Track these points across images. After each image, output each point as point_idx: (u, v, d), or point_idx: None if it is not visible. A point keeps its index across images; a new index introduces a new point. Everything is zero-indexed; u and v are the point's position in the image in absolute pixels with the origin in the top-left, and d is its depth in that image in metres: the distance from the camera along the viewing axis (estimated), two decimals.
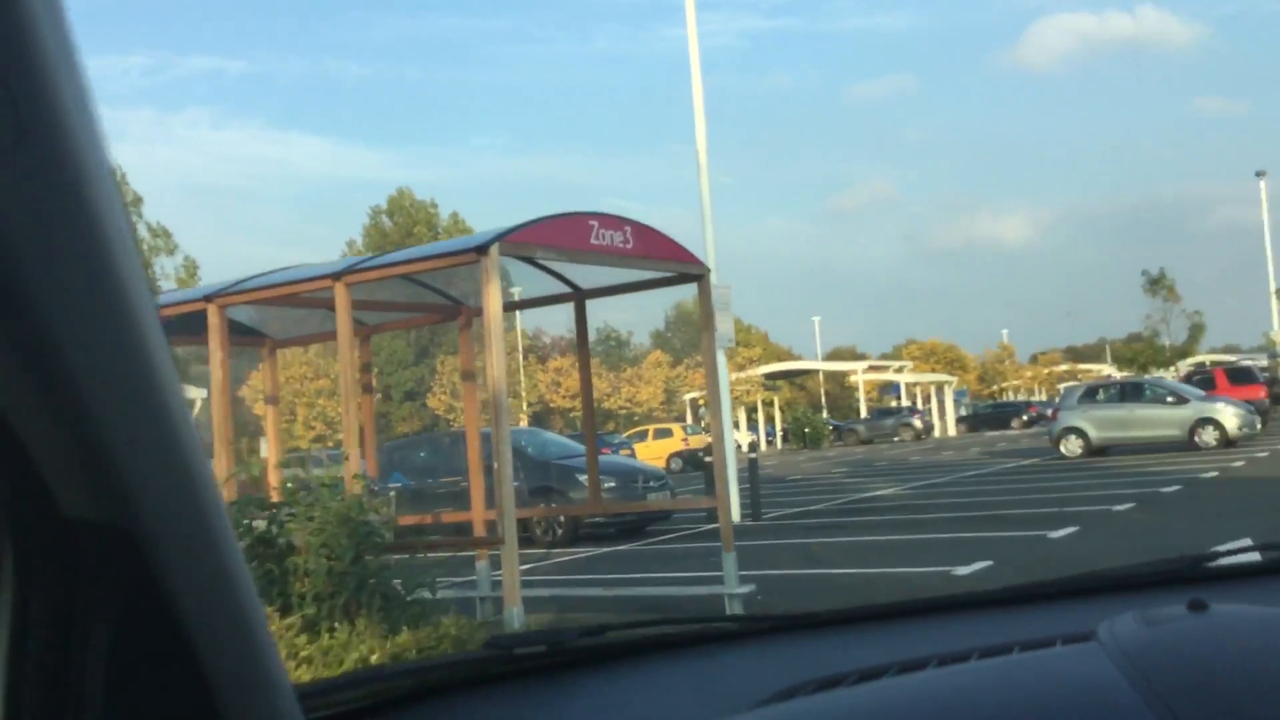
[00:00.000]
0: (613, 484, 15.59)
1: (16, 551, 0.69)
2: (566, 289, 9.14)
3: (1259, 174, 51.75)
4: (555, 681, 1.36)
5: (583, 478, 15.35)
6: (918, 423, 51.44)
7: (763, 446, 55.72)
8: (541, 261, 8.05)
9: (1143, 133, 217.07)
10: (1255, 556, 1.58)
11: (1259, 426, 23.97)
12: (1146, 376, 35.27)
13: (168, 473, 0.70)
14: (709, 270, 8.81)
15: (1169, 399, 23.82)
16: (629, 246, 7.98)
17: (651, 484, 16.28)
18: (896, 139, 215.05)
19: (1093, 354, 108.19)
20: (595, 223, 7.75)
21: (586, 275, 8.95)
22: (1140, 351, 45.40)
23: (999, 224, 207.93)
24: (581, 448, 18.71)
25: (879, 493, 19.91)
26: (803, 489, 22.37)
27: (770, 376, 60.46)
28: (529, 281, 9.45)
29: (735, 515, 16.75)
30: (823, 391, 71.57)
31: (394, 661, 2.16)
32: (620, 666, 1.42)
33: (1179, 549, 2.25)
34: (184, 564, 0.73)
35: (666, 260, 8.42)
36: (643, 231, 8.16)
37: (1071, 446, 24.25)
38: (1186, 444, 23.05)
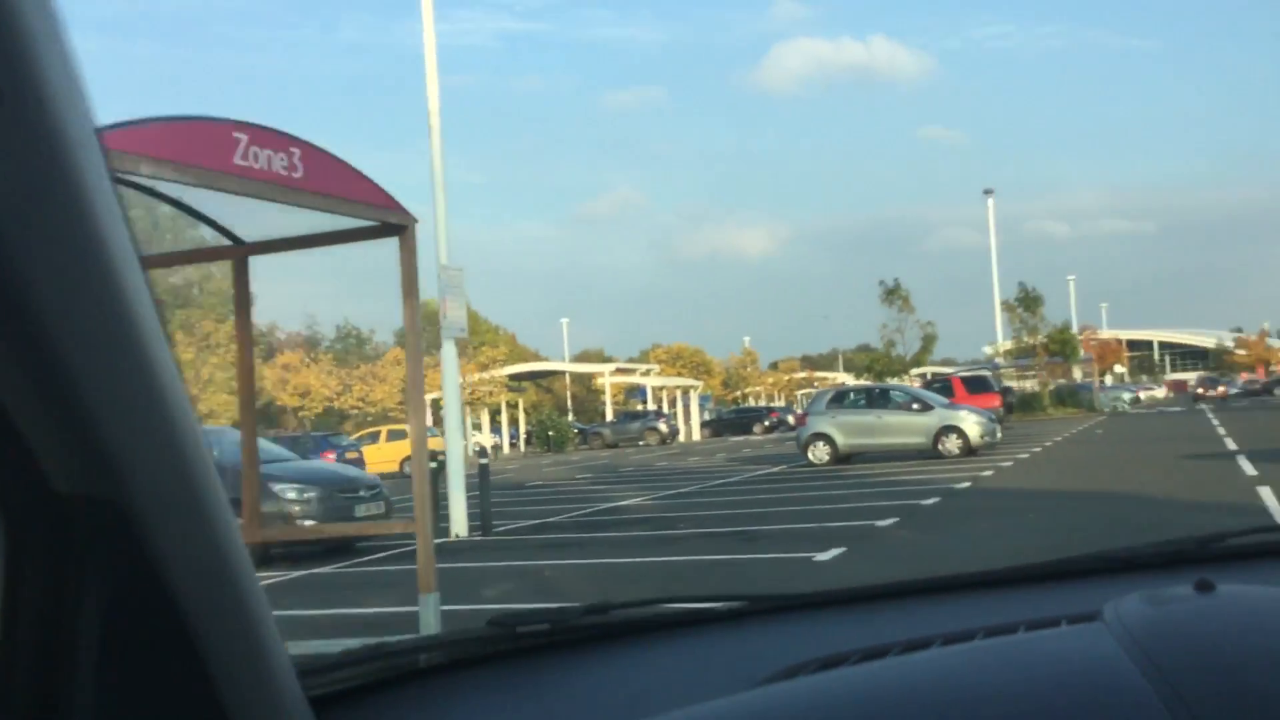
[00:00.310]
0: (314, 495, 13.16)
1: (8, 526, 0.68)
2: (225, 241, 6.78)
3: (987, 192, 54.31)
4: (558, 659, 1.35)
5: (278, 488, 12.87)
6: (663, 427, 50.82)
7: (506, 450, 53.73)
8: (154, 185, 5.50)
9: (874, 155, 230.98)
10: (1264, 538, 1.56)
11: (998, 435, 23.89)
12: (893, 383, 35.45)
13: (160, 446, 0.69)
14: (415, 221, 6.64)
15: (915, 406, 23.40)
16: (297, 176, 5.69)
17: (363, 494, 13.90)
18: (646, 149, 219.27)
19: (826, 363, 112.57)
20: (244, 136, 5.39)
21: (251, 223, 6.66)
22: (876, 360, 46.06)
23: (742, 236, 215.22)
24: (285, 452, 16.18)
25: (623, 503, 18.25)
26: (542, 497, 20.48)
27: (516, 378, 58.60)
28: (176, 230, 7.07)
29: (463, 529, 14.73)
30: (569, 394, 70.33)
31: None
32: (624, 645, 1.41)
33: (957, 569, 1.56)
34: (179, 540, 0.73)
35: (354, 202, 6.16)
36: (318, 158, 5.86)
37: (819, 453, 23.49)
38: (930, 452, 22.66)
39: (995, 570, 1.56)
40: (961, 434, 22.62)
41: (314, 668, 1.20)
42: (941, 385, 31.63)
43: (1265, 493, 12.18)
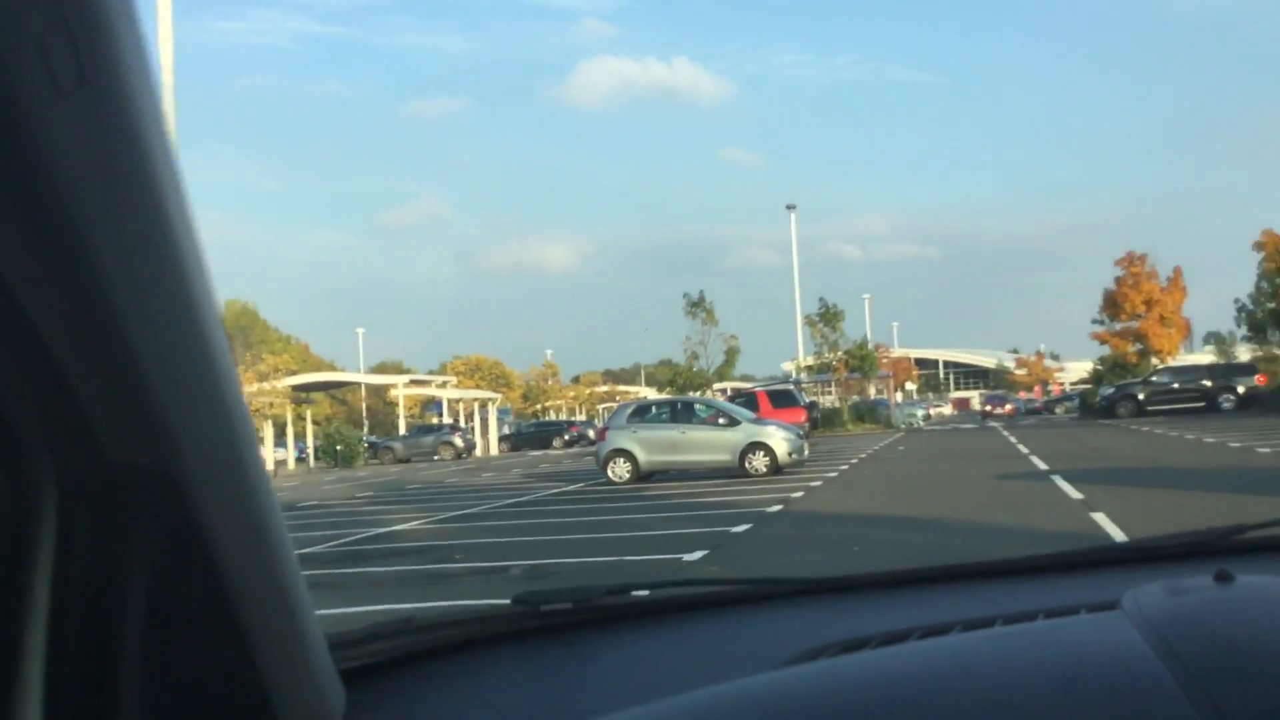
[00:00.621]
0: None
1: (61, 494, 0.70)
2: None
3: (789, 207, 54.29)
4: (580, 638, 1.37)
5: None
6: (459, 441, 48.35)
7: (291, 465, 50.14)
8: None
9: (677, 174, 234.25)
10: None
11: (806, 452, 22.65)
12: (698, 396, 34.15)
13: (212, 420, 0.72)
14: None
15: (720, 421, 21.89)
16: None
17: None
18: (451, 160, 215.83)
19: (629, 377, 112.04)
20: None
21: None
22: (679, 373, 44.92)
23: (547, 250, 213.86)
24: None
25: (399, 527, 15.99)
26: (311, 521, 17.91)
27: (302, 388, 54.84)
28: None
29: None
30: (364, 407, 66.80)
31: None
32: (645, 625, 1.42)
33: None
34: (224, 512, 0.75)
35: None
36: None
37: (619, 470, 21.75)
38: (736, 470, 21.26)
39: (1015, 559, 1.57)
40: (769, 451, 21.29)
41: (343, 641, 1.21)
42: (746, 399, 30.44)
43: (1101, 519, 11.08)
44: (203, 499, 0.74)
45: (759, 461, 21.29)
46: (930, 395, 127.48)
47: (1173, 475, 15.66)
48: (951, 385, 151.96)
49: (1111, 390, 42.25)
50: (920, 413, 60.05)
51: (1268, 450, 19.35)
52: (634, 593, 1.46)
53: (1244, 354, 51.67)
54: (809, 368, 50.31)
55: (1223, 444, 22.23)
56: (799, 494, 16.81)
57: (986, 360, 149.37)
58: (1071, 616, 1.11)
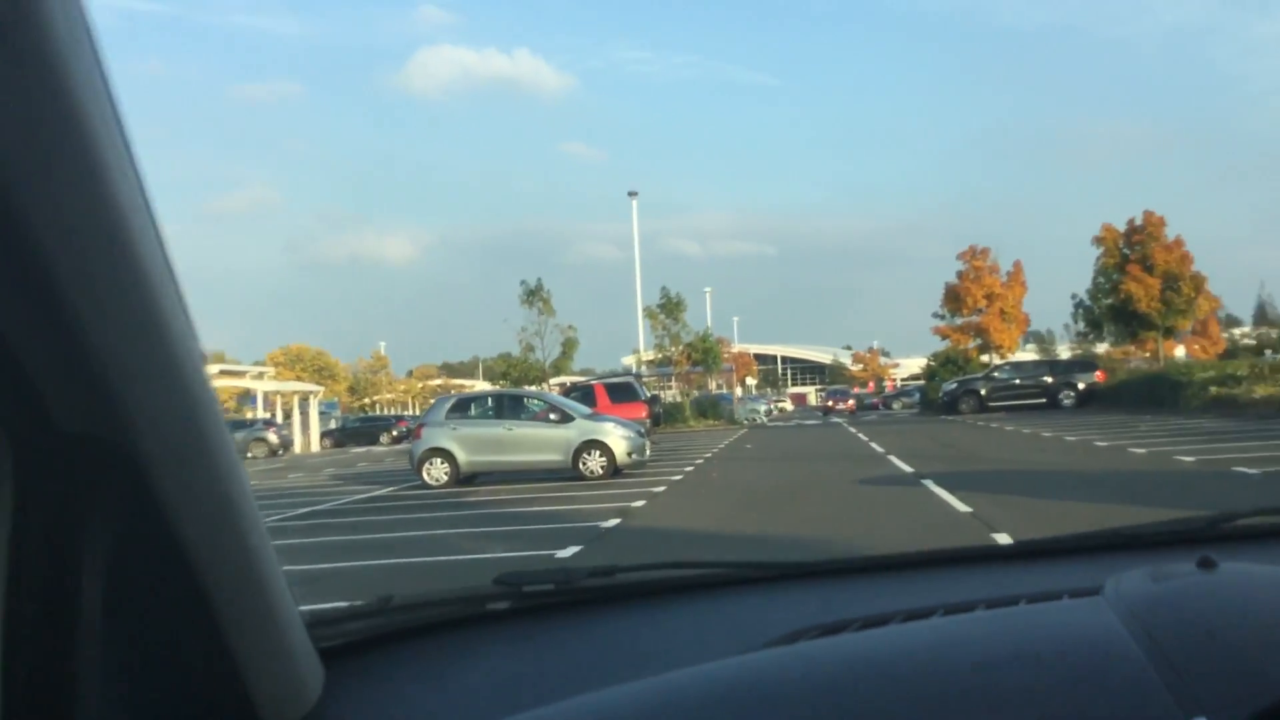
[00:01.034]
0: None
1: (17, 467, 0.68)
2: None
3: (631, 194, 52.02)
4: (563, 619, 1.37)
5: None
6: (272, 437, 44.41)
7: None
8: None
9: (518, 167, 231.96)
10: (1272, 519, 1.56)
11: (647, 452, 20.26)
12: (527, 389, 31.43)
13: (166, 391, 0.70)
14: None
15: (552, 416, 19.34)
16: None
17: None
18: (283, 147, 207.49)
19: (468, 370, 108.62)
20: None
21: None
22: (513, 365, 42.14)
23: (384, 242, 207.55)
24: None
25: None
26: None
27: None
28: None
29: None
30: None
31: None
32: (628, 607, 1.42)
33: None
34: (183, 485, 0.73)
35: None
36: None
37: (436, 473, 19.00)
38: (570, 472, 18.77)
39: (1001, 545, 1.69)
40: (606, 450, 18.85)
41: (320, 620, 1.20)
42: (582, 393, 27.75)
43: (1005, 540, 8.98)
44: (162, 472, 0.72)
45: (595, 462, 18.85)
46: (769, 390, 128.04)
47: (1055, 481, 13.85)
48: (789, 381, 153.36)
49: (954, 386, 41.37)
50: (763, 408, 58.82)
51: (1142, 451, 17.96)
52: (618, 575, 1.44)
53: (1064, 352, 52.08)
54: (650, 361, 48.15)
55: (1086, 442, 20.93)
56: (640, 503, 14.38)
57: (823, 356, 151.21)
58: (1053, 601, 1.10)
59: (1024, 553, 1.57)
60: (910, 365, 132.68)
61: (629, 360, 56.55)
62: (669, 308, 44.49)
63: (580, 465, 18.79)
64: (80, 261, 0.61)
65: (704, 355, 44.64)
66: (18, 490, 0.70)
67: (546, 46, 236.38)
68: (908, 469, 17.05)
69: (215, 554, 0.79)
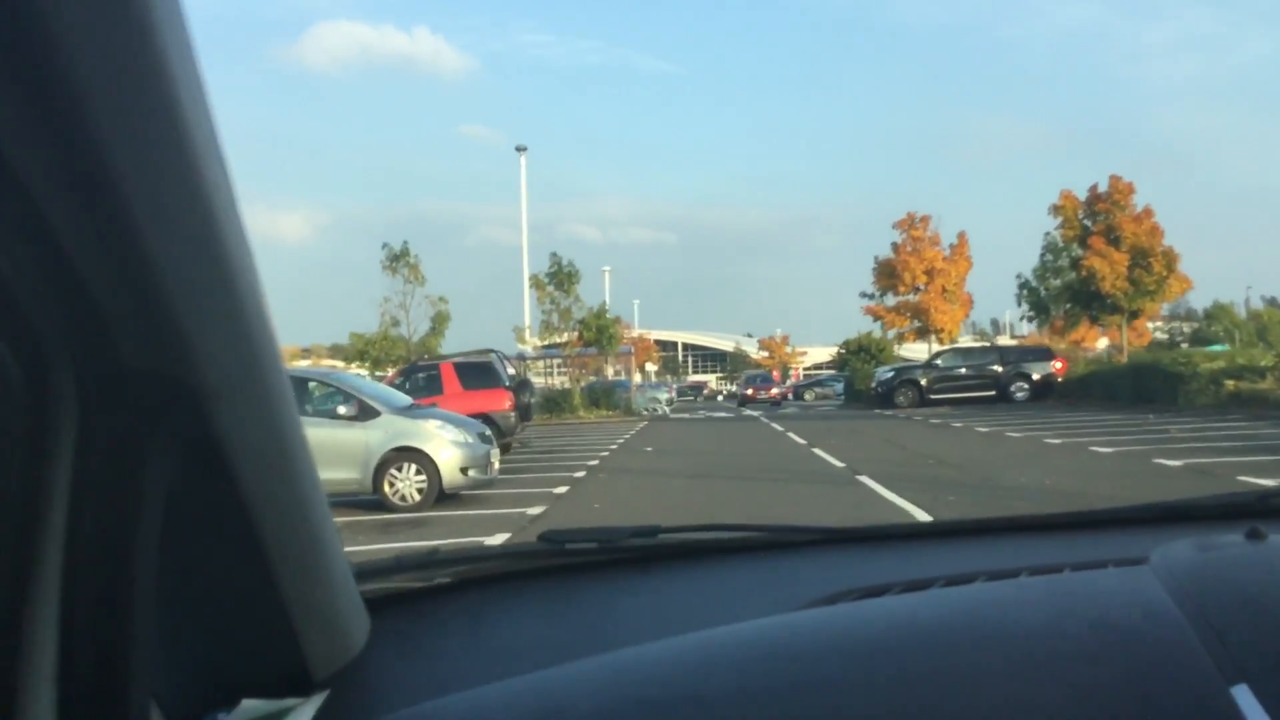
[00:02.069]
0: None
1: (80, 399, 0.69)
2: None
3: (519, 148, 44.86)
4: (604, 578, 1.37)
5: None
6: None
7: None
8: None
9: (416, 148, 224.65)
10: None
11: (496, 466, 13.02)
12: (316, 368, 24.07)
13: (230, 328, 0.71)
14: None
15: (342, 409, 12.10)
16: None
17: None
18: None
19: (348, 353, 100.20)
20: None
21: None
22: (372, 343, 34.58)
23: (276, 220, 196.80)
24: None
25: None
26: None
27: None
28: None
29: None
30: None
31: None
32: (669, 567, 1.42)
33: None
34: (241, 423, 0.74)
35: None
36: None
37: None
38: (370, 497, 11.71)
39: (1048, 514, 1.55)
40: (426, 463, 11.83)
41: (367, 571, 1.22)
42: (425, 376, 20.36)
43: None
44: (222, 409, 0.72)
45: (407, 483, 11.78)
46: (669, 377, 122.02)
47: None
48: (690, 368, 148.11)
49: (890, 374, 35.14)
50: (665, 396, 52.16)
51: (1177, 464, 11.63)
52: (660, 536, 1.43)
53: (1004, 340, 45.64)
54: (549, 345, 40.91)
55: (1081, 447, 14.67)
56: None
57: (724, 344, 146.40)
58: (1098, 570, 1.08)
59: (1070, 524, 1.54)
60: (816, 354, 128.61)
61: (523, 345, 49.36)
62: (560, 278, 37.38)
63: (386, 486, 11.72)
64: (152, 194, 0.61)
65: (599, 335, 37.65)
66: (81, 424, 0.69)
67: (446, 25, 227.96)
68: (886, 493, 10.42)
69: (270, 496, 0.79)
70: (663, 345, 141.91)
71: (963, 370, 34.01)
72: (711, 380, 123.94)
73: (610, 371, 64.08)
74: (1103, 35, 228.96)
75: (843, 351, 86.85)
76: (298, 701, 0.89)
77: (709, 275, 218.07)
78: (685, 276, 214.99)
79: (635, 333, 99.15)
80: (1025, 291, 40.50)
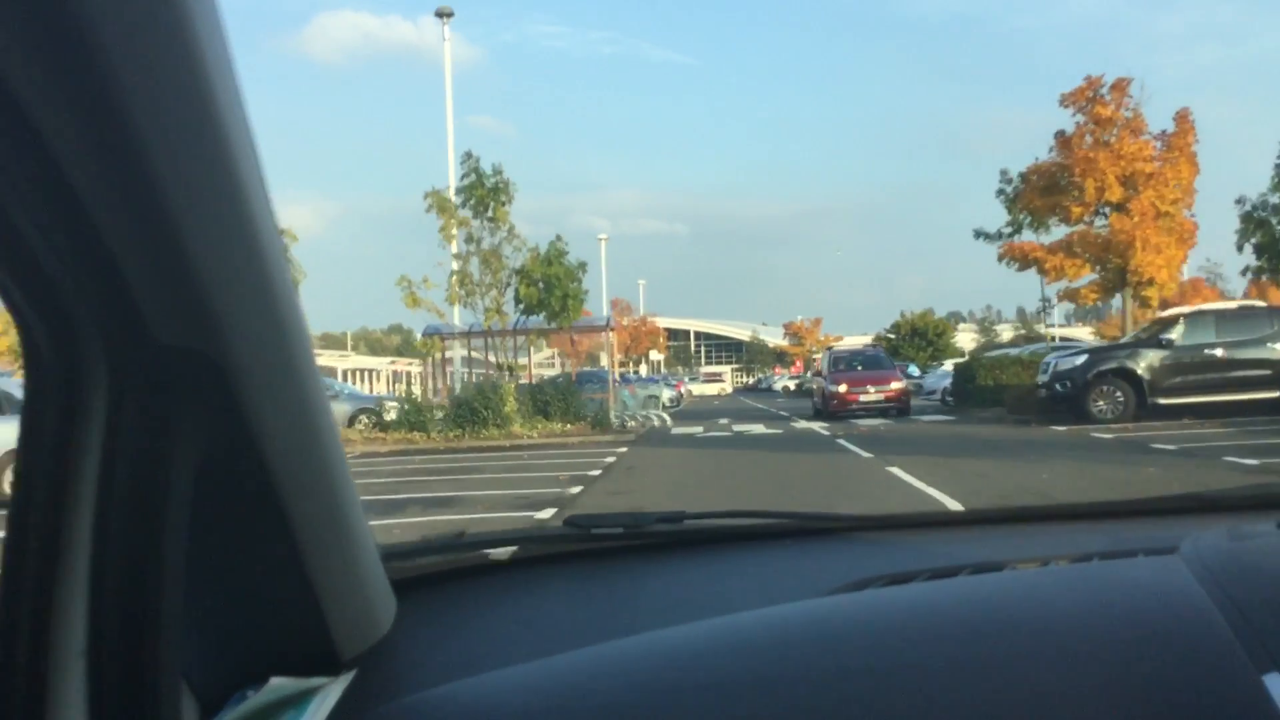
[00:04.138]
0: None
1: (111, 375, 0.69)
2: None
3: (440, 13, 28.55)
4: (630, 563, 1.36)
5: None
6: None
7: None
8: None
9: (425, 138, 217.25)
10: None
11: None
12: None
13: (260, 307, 0.70)
14: None
15: None
16: None
17: None
18: None
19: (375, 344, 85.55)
20: None
21: None
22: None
23: (284, 212, 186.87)
24: None
25: None
26: None
27: None
28: None
29: None
30: None
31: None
32: (695, 553, 1.40)
33: None
34: (272, 402, 0.74)
35: None
36: None
37: None
38: None
39: (1076, 504, 1.53)
40: None
41: (393, 552, 1.19)
42: None
43: None
44: (252, 387, 0.71)
45: None
46: (680, 369, 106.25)
47: None
48: (703, 358, 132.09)
49: (1079, 362, 18.57)
50: (667, 394, 35.99)
51: None
52: (685, 522, 1.42)
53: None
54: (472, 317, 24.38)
55: None
56: None
57: (740, 333, 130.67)
58: (1128, 559, 1.06)
59: (1100, 513, 1.51)
60: (854, 343, 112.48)
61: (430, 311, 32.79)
62: (479, 197, 21.07)
63: None
64: (183, 172, 0.61)
65: (546, 294, 21.28)
66: (111, 399, 0.69)
67: (459, 16, 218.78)
68: None
69: (298, 475, 0.79)
70: (673, 334, 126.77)
71: (1218, 352, 17.67)
72: (727, 372, 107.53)
73: (606, 360, 48.07)
74: (1117, 24, 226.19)
75: (891, 336, 71.25)
76: (325, 681, 0.88)
77: (721, 267, 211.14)
78: (696, 267, 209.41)
79: (639, 317, 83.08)
80: (1251, 226, 23.91)
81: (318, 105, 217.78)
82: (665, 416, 26.01)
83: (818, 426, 21.71)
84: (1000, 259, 26.45)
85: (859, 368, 25.41)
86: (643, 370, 77.61)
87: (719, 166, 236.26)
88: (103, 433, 0.69)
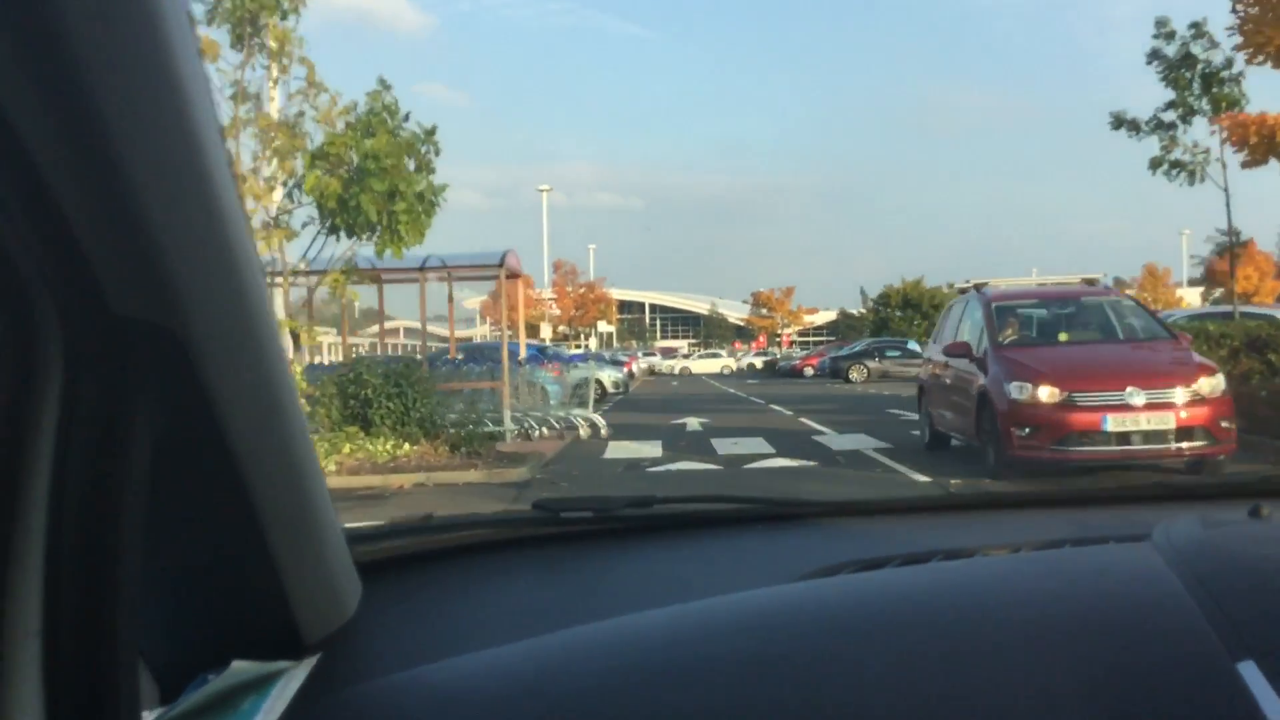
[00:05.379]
0: None
1: (66, 350, 0.65)
2: None
3: None
4: (599, 547, 1.33)
5: None
6: None
7: None
8: None
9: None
10: None
11: None
12: None
13: (220, 277, 0.67)
14: None
15: None
16: None
17: None
18: None
19: None
20: None
21: None
22: None
23: None
24: None
25: None
26: None
27: None
28: None
29: None
30: None
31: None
32: (665, 537, 1.36)
33: None
34: (232, 375, 0.71)
35: None
36: None
37: None
38: None
39: (1047, 491, 1.57)
40: None
41: (361, 535, 1.18)
42: None
43: None
44: (212, 360, 0.68)
45: None
46: (635, 343, 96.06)
47: None
48: (659, 332, 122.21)
49: None
50: (610, 377, 25.91)
51: None
52: (655, 506, 1.39)
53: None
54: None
55: None
56: None
57: (698, 306, 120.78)
58: (1099, 545, 1.04)
59: (1072, 500, 1.51)
60: (824, 317, 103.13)
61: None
62: (235, 11, 10.74)
63: None
64: (141, 135, 0.57)
65: (357, 193, 10.97)
66: (66, 374, 0.65)
67: None
68: None
69: (261, 453, 0.75)
70: (628, 306, 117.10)
71: None
72: (683, 347, 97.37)
73: (548, 333, 38.40)
74: (1071, 5, 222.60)
75: (879, 308, 61.32)
76: (289, 664, 0.85)
77: (678, 240, 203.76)
78: (652, 241, 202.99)
79: (586, 282, 72.44)
80: None
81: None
82: (597, 421, 15.49)
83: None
84: (1223, 140, 15.47)
85: (1081, 339, 10.10)
86: (592, 344, 67.02)
87: (676, 141, 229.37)
88: (57, 409, 0.65)
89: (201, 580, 0.82)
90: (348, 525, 0.98)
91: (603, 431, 14.79)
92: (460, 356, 15.78)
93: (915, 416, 12.87)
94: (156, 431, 0.70)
